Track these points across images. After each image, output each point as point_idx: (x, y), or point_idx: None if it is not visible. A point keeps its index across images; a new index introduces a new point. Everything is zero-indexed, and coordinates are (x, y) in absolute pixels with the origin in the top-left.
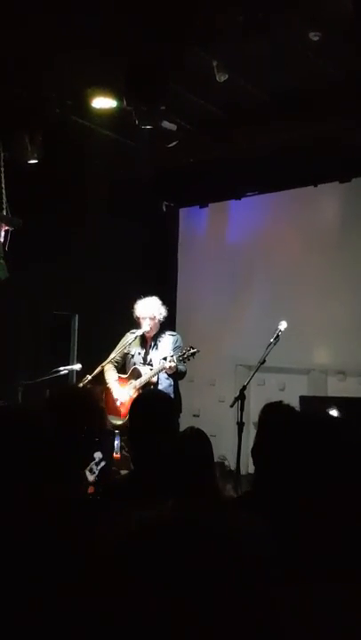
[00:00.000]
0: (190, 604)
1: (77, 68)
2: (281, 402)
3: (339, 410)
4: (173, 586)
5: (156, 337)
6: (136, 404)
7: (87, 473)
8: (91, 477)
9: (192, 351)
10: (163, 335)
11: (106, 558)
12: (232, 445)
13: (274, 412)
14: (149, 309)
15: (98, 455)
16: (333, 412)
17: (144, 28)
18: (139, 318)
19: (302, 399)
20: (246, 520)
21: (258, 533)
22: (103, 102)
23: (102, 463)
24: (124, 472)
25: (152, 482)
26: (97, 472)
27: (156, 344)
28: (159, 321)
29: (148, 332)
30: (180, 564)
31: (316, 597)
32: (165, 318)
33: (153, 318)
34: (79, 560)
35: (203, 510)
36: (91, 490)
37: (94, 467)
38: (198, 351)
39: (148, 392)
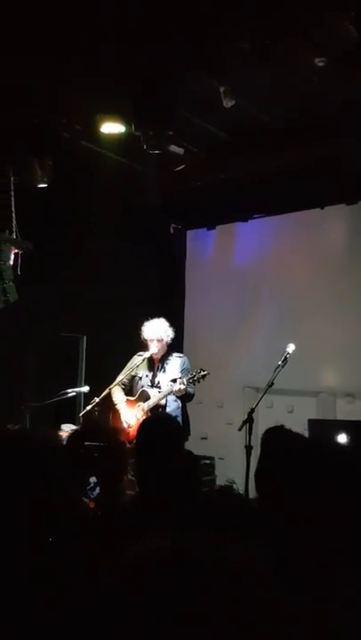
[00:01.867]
0: (188, 637)
1: (86, 94)
2: (282, 426)
3: (347, 434)
4: (170, 620)
5: (163, 359)
6: (143, 427)
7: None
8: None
9: (202, 373)
10: (170, 357)
11: (104, 589)
12: (240, 468)
13: (275, 438)
14: (157, 331)
15: (93, 480)
16: (342, 438)
17: (152, 54)
18: (146, 340)
19: (311, 422)
20: (246, 552)
21: (257, 566)
22: (112, 127)
23: (97, 489)
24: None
25: (155, 506)
26: (92, 497)
27: (163, 366)
28: (167, 343)
29: (155, 354)
30: (178, 598)
31: (317, 620)
32: (173, 340)
33: (160, 340)
34: (79, 588)
35: (202, 542)
36: (91, 505)
37: (89, 492)
38: (208, 373)
39: (156, 415)
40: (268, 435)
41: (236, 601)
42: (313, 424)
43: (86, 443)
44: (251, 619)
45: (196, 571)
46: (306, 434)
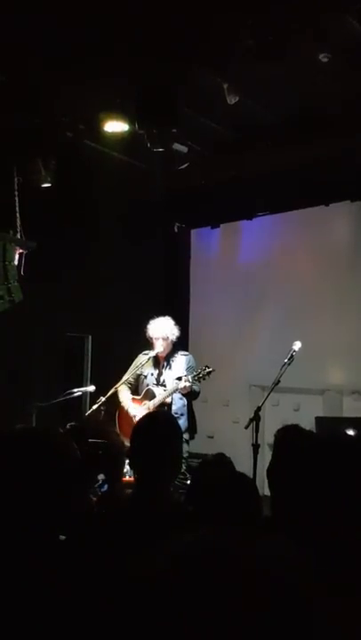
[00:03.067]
0: (226, 636)
1: (89, 93)
2: (297, 425)
3: (355, 431)
4: (207, 618)
5: (168, 357)
6: (138, 426)
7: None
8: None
9: (207, 370)
10: (175, 355)
11: (139, 588)
12: (247, 467)
13: (290, 435)
14: (162, 330)
15: (101, 477)
16: (350, 432)
17: (155, 52)
18: (152, 339)
19: (318, 420)
20: (280, 548)
21: (293, 562)
22: (115, 126)
23: (105, 486)
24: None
25: (151, 506)
26: (99, 493)
27: (168, 365)
28: (172, 341)
29: (160, 353)
30: (215, 595)
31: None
32: (178, 339)
33: (166, 339)
34: (110, 588)
35: (236, 539)
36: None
37: (97, 489)
38: (214, 370)
39: (151, 414)
40: (282, 433)
41: (281, 601)
42: (320, 421)
43: (90, 440)
44: (294, 620)
45: (238, 569)
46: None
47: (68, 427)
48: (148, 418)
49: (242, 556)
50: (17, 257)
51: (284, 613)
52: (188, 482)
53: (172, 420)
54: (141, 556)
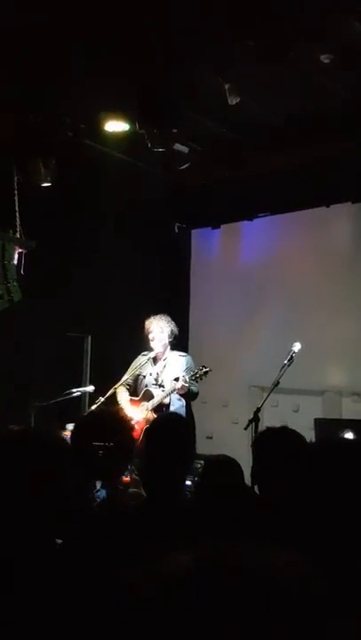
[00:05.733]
0: None
1: (90, 92)
2: (284, 426)
3: (354, 433)
4: (215, 634)
5: (167, 358)
6: (154, 427)
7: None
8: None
9: (204, 370)
10: (174, 356)
11: (139, 603)
12: (246, 467)
13: (277, 437)
14: (160, 328)
15: (99, 484)
16: (349, 435)
17: (157, 52)
18: (148, 335)
19: (317, 422)
20: (290, 560)
21: (303, 574)
22: (116, 126)
23: (101, 492)
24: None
25: (167, 511)
26: (98, 499)
27: (167, 365)
28: (170, 342)
29: (159, 353)
30: (223, 611)
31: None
32: (178, 340)
33: (163, 338)
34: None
35: (243, 551)
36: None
37: (95, 494)
38: (210, 370)
39: (166, 415)
40: (268, 435)
41: (292, 614)
42: (320, 423)
43: (95, 444)
44: (307, 632)
45: (249, 582)
46: (312, 433)
47: (70, 426)
48: (157, 422)
49: (255, 571)
50: (16, 256)
51: (297, 628)
52: (188, 482)
53: (186, 421)
54: (140, 570)
